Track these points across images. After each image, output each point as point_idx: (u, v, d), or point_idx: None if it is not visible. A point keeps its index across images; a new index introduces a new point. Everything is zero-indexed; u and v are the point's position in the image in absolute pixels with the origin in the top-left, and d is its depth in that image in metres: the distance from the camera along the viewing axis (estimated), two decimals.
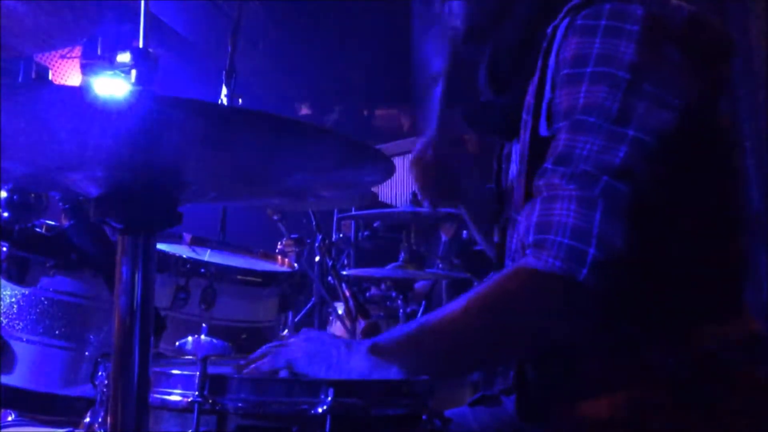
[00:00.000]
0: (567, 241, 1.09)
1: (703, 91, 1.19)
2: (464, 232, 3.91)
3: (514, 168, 1.46)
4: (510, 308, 1.16)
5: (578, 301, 1.10)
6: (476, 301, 1.17)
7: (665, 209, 1.14)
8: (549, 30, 1.25)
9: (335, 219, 4.40)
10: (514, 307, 1.16)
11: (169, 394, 0.99)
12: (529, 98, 1.27)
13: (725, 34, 1.25)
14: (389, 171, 0.93)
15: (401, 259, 2.85)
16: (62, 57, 4.05)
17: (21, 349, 1.65)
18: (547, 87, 1.22)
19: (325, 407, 0.95)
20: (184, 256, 1.92)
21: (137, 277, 0.81)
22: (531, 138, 1.24)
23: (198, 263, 1.90)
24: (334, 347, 1.16)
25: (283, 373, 1.14)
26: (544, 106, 1.22)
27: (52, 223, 1.68)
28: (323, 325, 3.54)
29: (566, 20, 1.22)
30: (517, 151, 1.45)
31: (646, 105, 1.13)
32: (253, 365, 1.16)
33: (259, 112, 0.69)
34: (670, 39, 1.18)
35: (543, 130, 1.22)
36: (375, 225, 4.57)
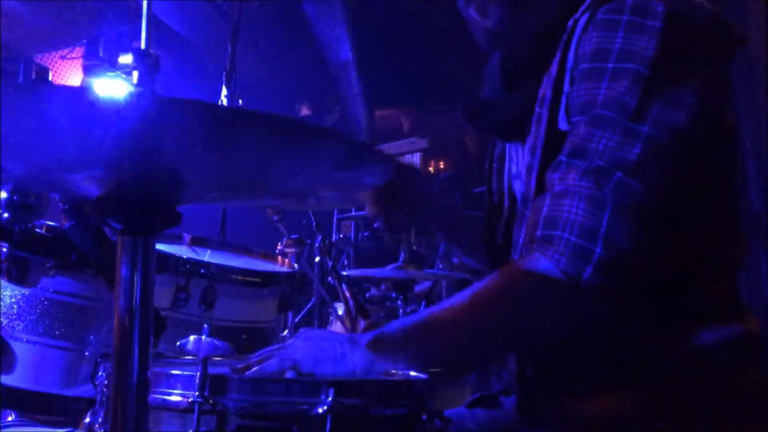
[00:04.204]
0: (574, 239, 1.10)
1: (713, 90, 1.19)
2: None
3: (512, 167, 1.46)
4: (514, 304, 1.18)
5: (580, 299, 1.11)
6: (481, 296, 1.18)
7: (670, 208, 1.14)
8: (570, 23, 1.25)
9: (335, 219, 4.40)
10: (518, 303, 1.18)
11: (170, 394, 0.99)
12: (544, 91, 1.26)
13: (737, 34, 1.26)
14: (389, 172, 0.93)
15: (401, 259, 2.85)
16: (62, 57, 4.05)
17: (21, 349, 1.65)
18: (566, 80, 1.22)
19: (325, 407, 0.95)
20: (184, 256, 1.92)
21: (137, 277, 0.81)
22: (546, 131, 1.24)
23: (198, 263, 1.90)
24: (337, 342, 1.16)
25: (290, 374, 1.14)
26: (563, 99, 1.22)
27: (52, 223, 1.68)
28: (323, 325, 3.54)
29: (587, 14, 1.22)
30: (515, 150, 1.44)
31: (662, 103, 1.13)
32: (258, 367, 1.16)
33: (259, 113, 0.69)
34: (689, 37, 1.18)
35: (563, 124, 1.22)
36: (375, 225, 4.57)
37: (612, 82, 1.15)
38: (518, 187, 1.41)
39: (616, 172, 1.11)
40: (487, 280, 1.20)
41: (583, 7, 1.24)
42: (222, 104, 2.64)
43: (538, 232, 1.15)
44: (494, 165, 1.54)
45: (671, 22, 1.15)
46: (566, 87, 1.22)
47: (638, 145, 1.12)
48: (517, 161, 1.43)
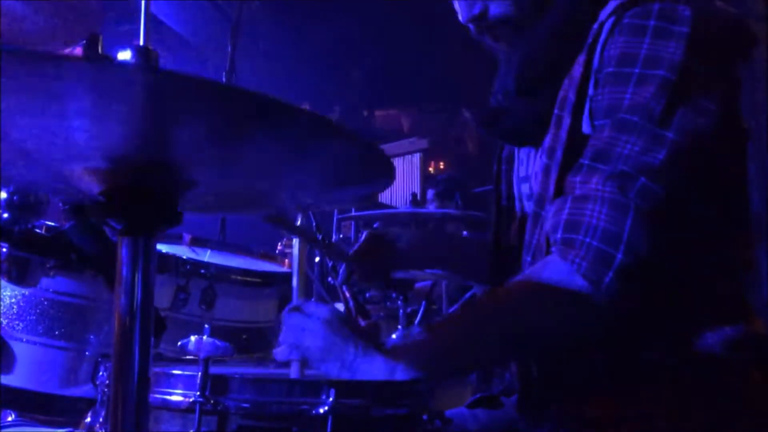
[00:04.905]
0: (596, 243, 1.10)
1: (732, 93, 1.20)
2: (464, 232, 3.90)
3: (522, 169, 1.45)
4: (534, 309, 1.18)
5: (598, 303, 1.11)
6: (502, 302, 1.20)
7: (686, 211, 1.15)
8: (595, 26, 1.25)
9: (335, 220, 4.40)
10: (538, 308, 1.18)
11: (171, 394, 0.99)
12: (565, 93, 1.25)
13: (755, 35, 1.26)
14: (389, 172, 0.93)
15: None
16: None
17: (21, 349, 1.64)
18: (591, 84, 1.22)
19: (326, 408, 0.95)
20: (184, 256, 1.92)
21: (137, 277, 0.81)
22: (569, 134, 1.23)
23: (198, 264, 1.90)
24: (350, 347, 1.14)
25: (292, 375, 1.14)
26: (587, 103, 1.22)
27: (52, 223, 1.68)
28: None
29: (612, 17, 1.22)
30: (525, 153, 1.44)
31: (687, 109, 1.13)
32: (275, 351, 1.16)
33: (278, 101, 0.69)
34: (714, 42, 1.18)
35: (585, 127, 1.21)
36: (375, 226, 4.57)
37: (638, 87, 1.15)
38: (526, 189, 1.41)
39: (640, 177, 1.11)
40: (506, 285, 1.20)
41: (608, 11, 1.24)
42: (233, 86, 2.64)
43: (558, 235, 1.15)
44: (503, 167, 1.54)
45: (697, 27, 1.15)
46: (591, 90, 1.21)
47: (663, 151, 1.11)
48: (527, 164, 1.43)
